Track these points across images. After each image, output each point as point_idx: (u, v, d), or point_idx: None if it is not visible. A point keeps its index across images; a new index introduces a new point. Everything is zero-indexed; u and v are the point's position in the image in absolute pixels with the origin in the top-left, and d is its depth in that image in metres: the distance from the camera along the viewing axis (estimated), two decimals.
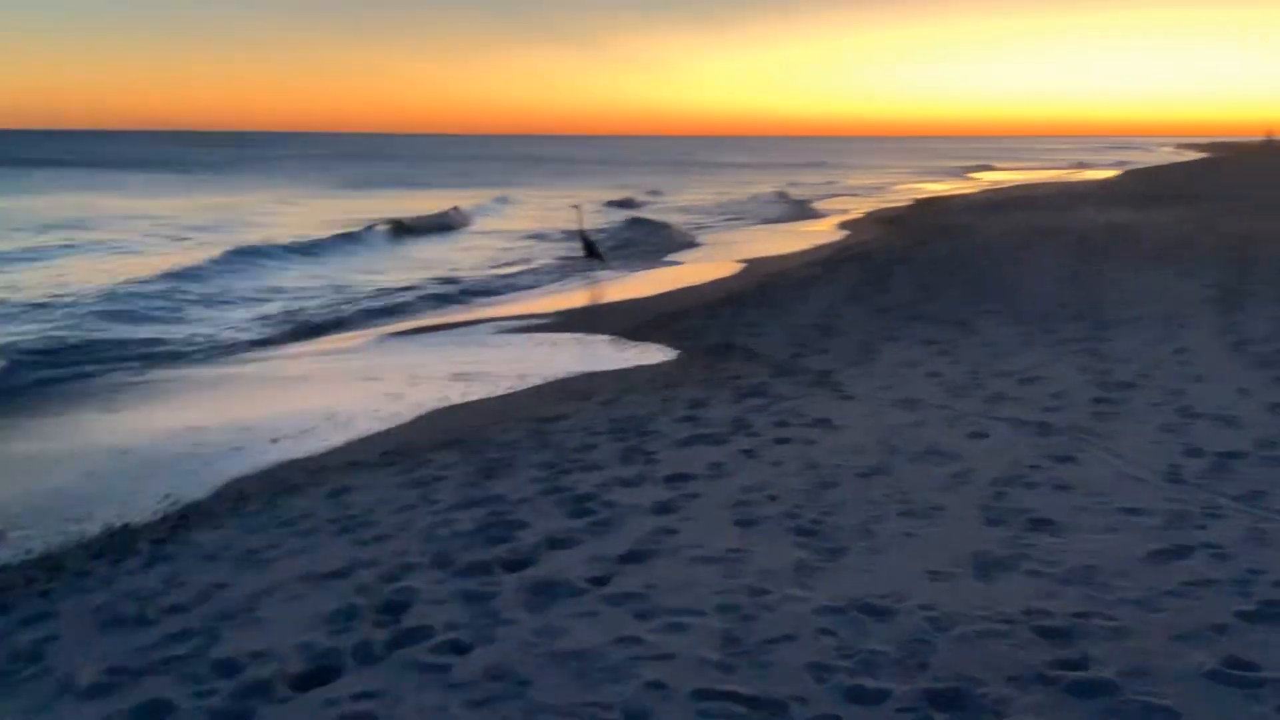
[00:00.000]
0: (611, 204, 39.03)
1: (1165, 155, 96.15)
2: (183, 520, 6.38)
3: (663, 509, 5.83)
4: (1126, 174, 58.60)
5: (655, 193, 48.89)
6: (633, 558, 5.06)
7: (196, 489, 7.06)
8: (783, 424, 7.89)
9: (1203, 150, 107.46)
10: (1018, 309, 12.91)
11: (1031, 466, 6.57)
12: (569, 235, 23.29)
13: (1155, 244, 19.13)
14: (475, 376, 10.57)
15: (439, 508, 6.08)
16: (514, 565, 5.03)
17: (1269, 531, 5.33)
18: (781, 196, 43.27)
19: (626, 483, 6.41)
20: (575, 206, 21.40)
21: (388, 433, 8.52)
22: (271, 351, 12.78)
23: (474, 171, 76.65)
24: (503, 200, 43.07)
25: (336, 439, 8.38)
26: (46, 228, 28.09)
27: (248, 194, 46.98)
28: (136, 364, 11.84)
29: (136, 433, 8.82)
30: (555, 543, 5.31)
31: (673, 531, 5.43)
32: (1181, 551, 5.05)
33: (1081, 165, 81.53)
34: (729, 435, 7.63)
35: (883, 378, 9.55)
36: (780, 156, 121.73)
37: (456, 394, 9.88)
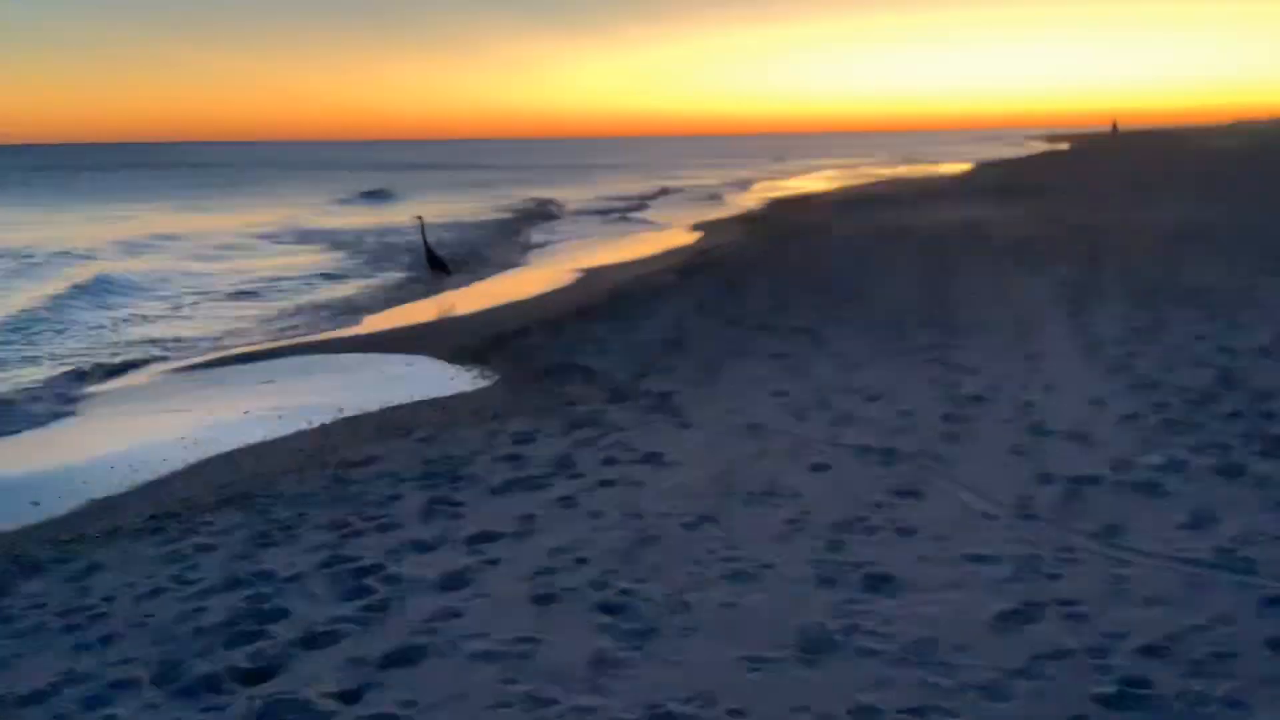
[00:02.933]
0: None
1: (1030, 147, 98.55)
2: None
3: (453, 583, 5.04)
4: (980, 167, 59.66)
5: (538, 199, 47.68)
6: (400, 658, 4.26)
7: None
8: (610, 461, 7.17)
9: (1066, 141, 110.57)
10: (868, 316, 12.46)
11: (875, 504, 5.97)
12: (412, 247, 22.24)
13: (1006, 240, 19.03)
14: (285, 412, 9.60)
15: (193, 591, 5.18)
16: (253, 676, 4.18)
17: (1126, 579, 4.80)
18: (640, 200, 42.71)
19: (422, 547, 5.60)
20: (418, 218, 20.40)
21: (168, 486, 7.54)
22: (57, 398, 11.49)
23: (322, 178, 74.26)
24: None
25: (107, 496, 7.37)
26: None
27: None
28: None
29: None
30: (312, 640, 4.47)
31: (457, 615, 4.65)
32: (1032, 612, 4.48)
33: (937, 159, 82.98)
34: (550, 478, 6.88)
35: (727, 399, 8.91)
36: (651, 157, 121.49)
37: (259, 434, 8.91)
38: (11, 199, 53.87)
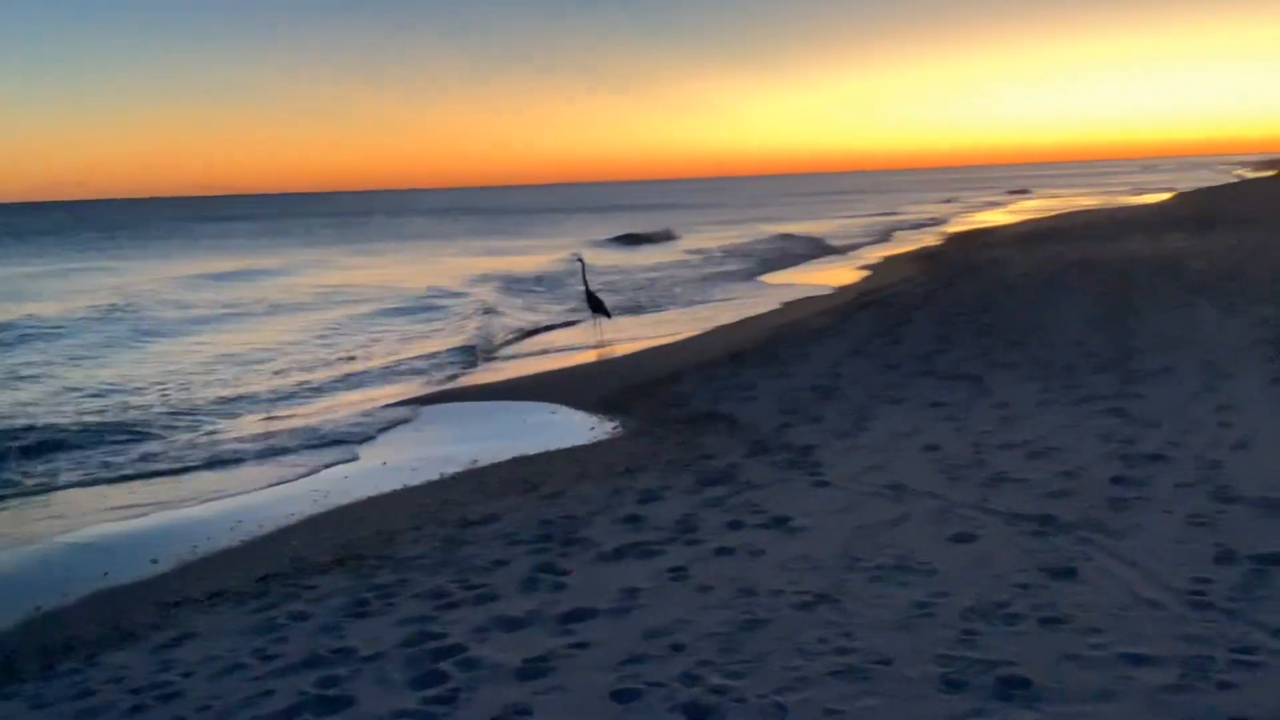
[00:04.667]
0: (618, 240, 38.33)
1: (1236, 175, 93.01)
2: None
3: (532, 671, 4.60)
4: (1179, 197, 56.45)
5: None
6: None
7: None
8: (734, 525, 6.65)
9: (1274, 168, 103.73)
10: (1040, 359, 11.54)
11: (1020, 586, 5.25)
12: (575, 288, 22.19)
13: (1201, 276, 17.58)
14: (421, 463, 9.43)
15: (269, 669, 4.90)
16: None
17: None
18: (814, 241, 41.92)
19: (512, 624, 5.20)
20: (578, 259, 20.27)
21: (287, 543, 7.38)
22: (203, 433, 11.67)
23: (543, 224, 76.13)
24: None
25: (226, 552, 7.27)
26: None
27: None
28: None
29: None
30: None
31: (527, 712, 4.19)
32: None
33: (1138, 189, 79.06)
34: (667, 543, 6.39)
35: (872, 454, 8.27)
36: (831, 191, 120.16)
37: (390, 485, 8.76)
38: (330, 243, 57.41)
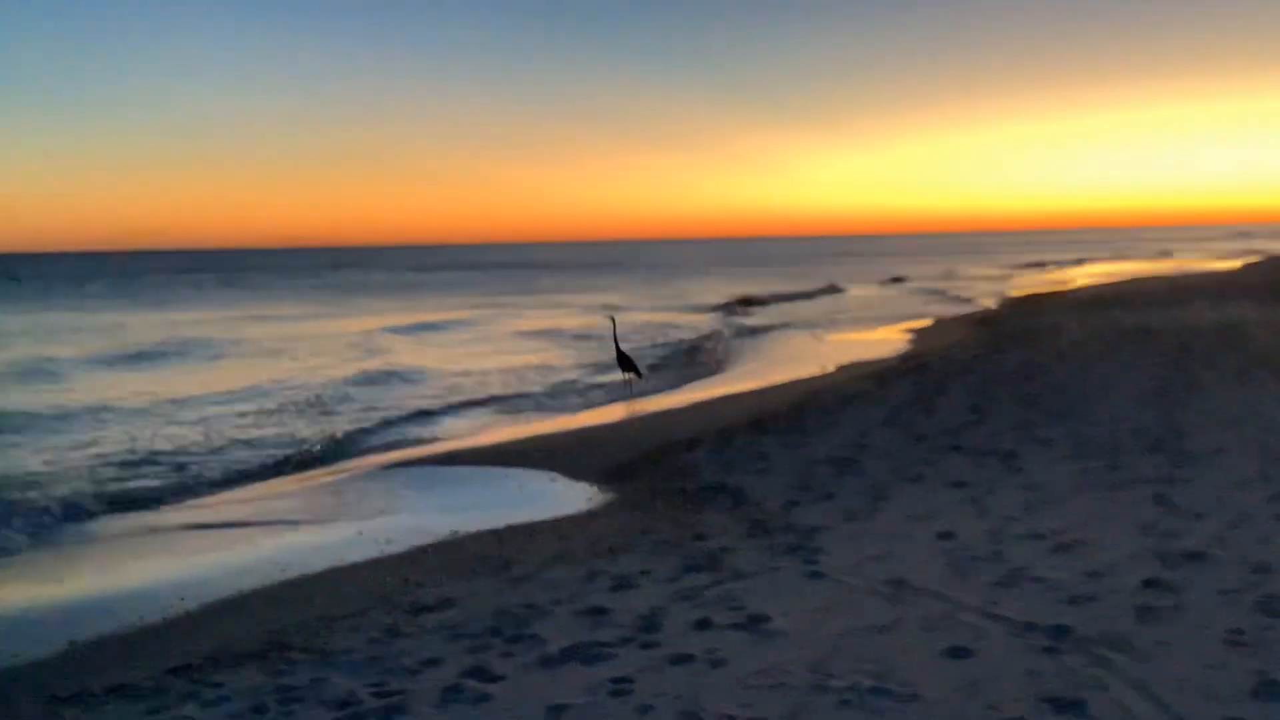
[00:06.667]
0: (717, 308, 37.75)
1: None
2: None
3: None
4: (1251, 263, 54.72)
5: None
6: None
7: None
8: (702, 625, 5.85)
9: None
10: (1082, 436, 10.61)
11: None
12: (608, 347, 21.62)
13: (1267, 348, 16.49)
14: (397, 534, 8.76)
15: None
16: None
17: None
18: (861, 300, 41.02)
19: None
20: (610, 317, 19.67)
21: (217, 625, 6.70)
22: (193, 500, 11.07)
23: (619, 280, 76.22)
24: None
25: (156, 631, 6.63)
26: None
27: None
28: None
29: None
30: None
31: None
32: None
33: (1203, 254, 77.12)
34: (622, 644, 5.62)
35: (879, 540, 7.44)
36: (882, 254, 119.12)
37: (356, 556, 8.10)
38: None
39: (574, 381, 19.99)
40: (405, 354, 25.57)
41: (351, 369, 22.00)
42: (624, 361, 18.70)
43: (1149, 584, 6.12)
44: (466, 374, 21.30)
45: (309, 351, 26.71)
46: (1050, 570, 6.49)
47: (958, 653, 5.21)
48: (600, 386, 19.11)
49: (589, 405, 16.98)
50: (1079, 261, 76.43)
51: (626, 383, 18.43)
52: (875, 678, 4.92)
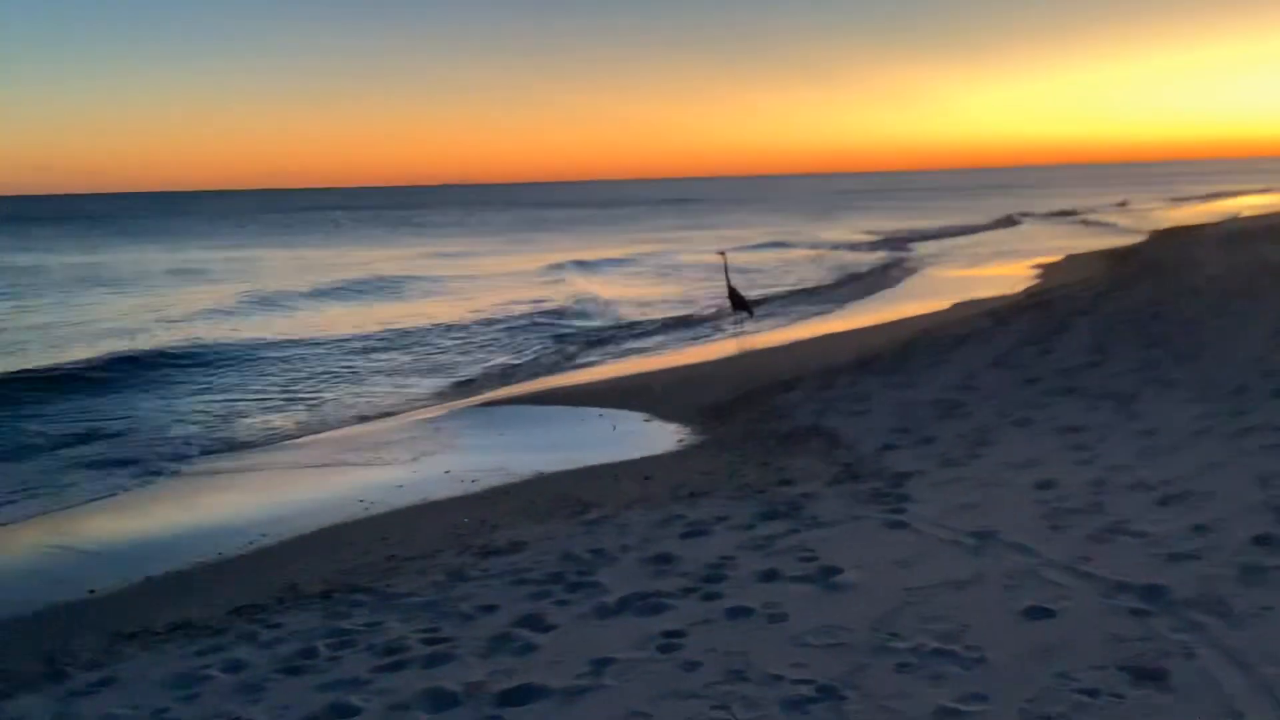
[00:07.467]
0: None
1: None
2: None
3: None
4: None
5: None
6: None
7: None
8: (770, 576, 5.59)
9: None
10: (1207, 379, 9.90)
11: (1087, 692, 4.04)
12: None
13: None
14: (483, 472, 8.72)
15: None
16: None
17: None
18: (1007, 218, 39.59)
19: (440, 702, 4.30)
20: (721, 253, 19.30)
21: (296, 558, 6.74)
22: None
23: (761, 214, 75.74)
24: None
25: (236, 566, 6.70)
26: None
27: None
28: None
29: None
30: None
31: None
32: None
33: None
34: (683, 595, 5.41)
35: (972, 489, 7.04)
36: (1039, 184, 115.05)
37: (441, 495, 8.10)
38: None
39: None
40: (599, 287, 25.94)
41: (555, 299, 22.75)
42: (736, 299, 18.38)
43: (1259, 541, 5.60)
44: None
45: (512, 284, 27.37)
46: (1153, 524, 6.02)
47: (1036, 613, 4.84)
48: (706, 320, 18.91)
49: (686, 345, 16.73)
50: (1262, 191, 72.39)
51: (739, 319, 18.14)
52: (942, 639, 4.59)
